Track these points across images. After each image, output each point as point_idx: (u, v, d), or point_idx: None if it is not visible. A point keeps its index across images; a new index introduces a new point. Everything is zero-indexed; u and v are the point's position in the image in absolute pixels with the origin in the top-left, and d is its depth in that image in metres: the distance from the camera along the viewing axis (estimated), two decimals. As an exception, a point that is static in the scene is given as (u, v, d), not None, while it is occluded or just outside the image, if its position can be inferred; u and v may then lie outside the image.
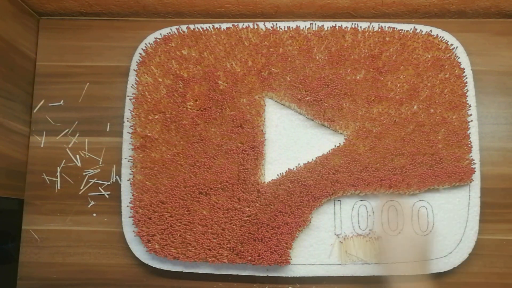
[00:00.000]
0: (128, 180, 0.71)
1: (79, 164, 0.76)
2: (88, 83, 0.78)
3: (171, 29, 0.75)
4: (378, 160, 0.69)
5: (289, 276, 0.69)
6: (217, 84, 0.72)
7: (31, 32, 0.79)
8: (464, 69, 0.72)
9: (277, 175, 0.70)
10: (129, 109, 0.73)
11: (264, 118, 0.72)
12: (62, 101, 0.78)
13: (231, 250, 0.68)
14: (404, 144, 0.69)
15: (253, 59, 0.73)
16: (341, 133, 0.72)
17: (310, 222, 0.69)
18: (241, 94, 0.72)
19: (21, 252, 0.74)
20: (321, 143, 0.72)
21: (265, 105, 0.73)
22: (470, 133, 0.71)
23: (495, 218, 0.72)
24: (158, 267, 0.70)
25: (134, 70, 0.75)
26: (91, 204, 0.75)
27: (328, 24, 0.74)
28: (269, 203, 0.68)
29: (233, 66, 0.73)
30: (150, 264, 0.70)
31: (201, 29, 0.75)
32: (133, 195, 0.70)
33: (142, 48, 0.75)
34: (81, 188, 0.75)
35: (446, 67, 0.72)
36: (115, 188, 0.74)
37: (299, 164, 0.70)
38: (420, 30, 0.74)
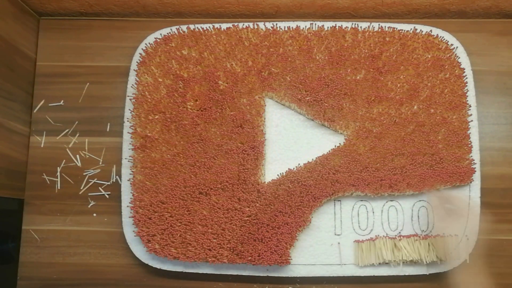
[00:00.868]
0: (128, 180, 0.71)
1: (79, 164, 0.76)
2: (88, 83, 0.78)
3: (171, 29, 0.75)
4: (378, 160, 0.69)
5: (289, 276, 0.69)
6: (217, 84, 0.72)
7: (31, 32, 0.79)
8: (464, 69, 0.72)
9: (277, 175, 0.70)
10: (129, 109, 0.73)
11: (264, 118, 0.72)
12: (62, 101, 0.78)
13: (231, 250, 0.68)
14: (404, 144, 0.69)
15: (253, 59, 0.73)
16: (341, 133, 0.72)
17: (310, 222, 0.69)
18: (241, 94, 0.72)
19: (21, 252, 0.74)
20: (321, 143, 0.72)
21: (265, 105, 0.73)
22: (470, 133, 0.71)
23: (495, 218, 0.72)
24: (158, 267, 0.70)
25: (134, 70, 0.75)
26: (91, 204, 0.75)
27: (328, 24, 0.74)
28: (269, 203, 0.68)
29: (233, 66, 0.73)
30: (150, 264, 0.70)
31: (201, 29, 0.75)
32: (133, 195, 0.70)
33: (142, 48, 0.75)
34: (81, 188, 0.75)
35: (446, 67, 0.72)
36: (115, 188, 0.74)
37: (299, 164, 0.70)
38: (420, 30, 0.74)
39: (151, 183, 0.70)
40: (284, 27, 0.74)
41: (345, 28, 0.74)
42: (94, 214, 0.74)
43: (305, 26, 0.74)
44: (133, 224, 0.70)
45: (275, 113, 0.74)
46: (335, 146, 0.71)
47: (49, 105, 0.78)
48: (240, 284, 0.72)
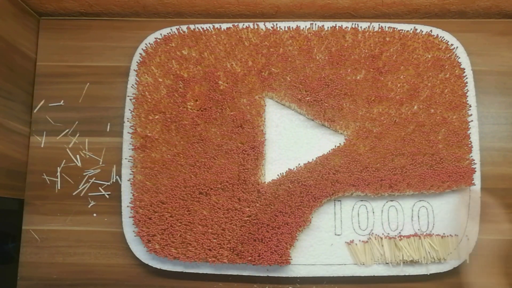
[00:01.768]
0: (128, 180, 0.71)
1: (79, 164, 0.76)
2: (88, 83, 0.78)
3: (171, 29, 0.75)
4: (378, 160, 0.69)
5: (289, 276, 0.69)
6: (217, 84, 0.72)
7: (32, 32, 0.79)
8: (464, 69, 0.72)
9: (277, 175, 0.70)
10: (129, 109, 0.73)
11: (264, 118, 0.72)
12: (62, 101, 0.78)
13: (231, 250, 0.68)
14: (404, 144, 0.69)
15: (253, 59, 0.73)
16: (341, 133, 0.72)
17: (310, 222, 0.69)
18: (241, 94, 0.72)
19: (21, 252, 0.74)
20: (321, 143, 0.72)
21: (265, 105, 0.73)
22: (470, 133, 0.71)
23: (495, 218, 0.72)
24: (158, 267, 0.70)
25: (134, 70, 0.75)
26: (91, 204, 0.75)
27: (328, 24, 0.74)
28: (269, 203, 0.68)
29: (233, 66, 0.73)
30: (150, 264, 0.70)
31: (201, 29, 0.75)
32: (133, 195, 0.70)
33: (142, 48, 0.75)
34: (81, 188, 0.75)
35: (446, 67, 0.72)
36: (115, 188, 0.74)
37: (299, 164, 0.70)
38: (421, 30, 0.74)
39: (151, 183, 0.70)
40: (284, 27, 0.74)
41: (345, 28, 0.74)
42: (94, 214, 0.75)
43: (305, 26, 0.74)
44: (133, 224, 0.70)
45: (275, 113, 0.74)
46: (335, 146, 0.71)
47: (49, 105, 0.78)
48: (240, 284, 0.72)
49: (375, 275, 0.69)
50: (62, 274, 0.73)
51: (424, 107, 0.71)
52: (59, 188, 0.75)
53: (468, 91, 0.72)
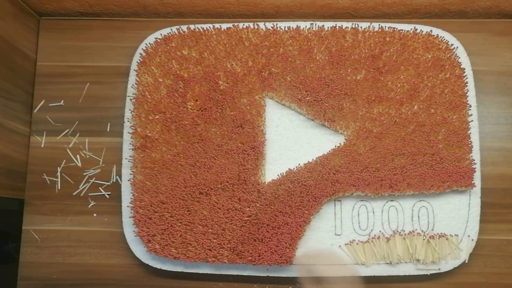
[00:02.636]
0: (128, 180, 0.71)
1: (79, 164, 0.76)
2: (88, 83, 0.78)
3: (171, 29, 0.75)
4: (378, 160, 0.69)
5: (290, 276, 0.69)
6: (218, 84, 0.72)
7: (32, 32, 0.79)
8: (464, 69, 0.72)
9: (278, 175, 0.70)
10: (130, 109, 0.73)
11: (265, 118, 0.72)
12: (62, 101, 0.78)
13: (232, 250, 0.68)
14: (404, 144, 0.69)
15: (253, 59, 0.73)
16: (341, 133, 0.72)
17: (309, 222, 0.69)
18: (242, 94, 0.72)
19: (22, 252, 0.74)
20: (321, 143, 0.72)
21: (265, 105, 0.73)
22: (470, 133, 0.71)
23: (495, 218, 0.72)
24: (159, 267, 0.70)
25: (134, 70, 0.75)
26: (91, 204, 0.75)
27: (328, 24, 0.74)
28: (270, 203, 0.68)
29: (233, 66, 0.73)
30: (150, 264, 0.70)
31: (201, 29, 0.75)
32: (133, 195, 0.70)
33: (142, 48, 0.75)
34: (82, 188, 0.75)
35: (446, 67, 0.72)
36: (116, 188, 0.74)
37: (299, 164, 0.70)
38: (421, 30, 0.74)
39: (151, 183, 0.70)
40: (284, 27, 0.74)
41: (345, 28, 0.74)
42: (94, 214, 0.75)
43: (305, 26, 0.74)
44: (133, 224, 0.70)
45: (275, 113, 0.74)
46: (335, 146, 0.71)
47: (49, 105, 0.78)
48: (240, 284, 0.72)
49: (375, 275, 0.69)
50: (62, 274, 0.73)
51: (424, 107, 0.71)
52: (59, 188, 0.75)
53: (468, 91, 0.72)
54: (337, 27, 0.74)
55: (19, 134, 0.75)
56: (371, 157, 0.69)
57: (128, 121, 0.73)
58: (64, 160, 0.76)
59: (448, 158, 0.69)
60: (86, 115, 0.77)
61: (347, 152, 0.70)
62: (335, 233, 0.70)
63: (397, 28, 0.74)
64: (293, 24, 0.74)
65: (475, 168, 0.70)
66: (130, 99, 0.73)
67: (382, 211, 0.70)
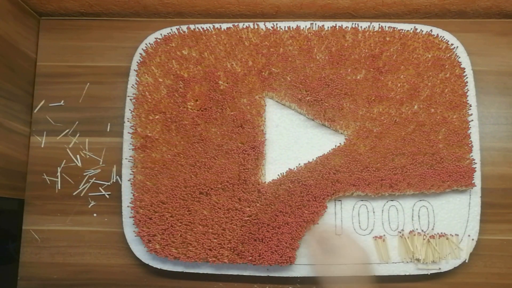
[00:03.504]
0: (128, 180, 0.71)
1: (79, 164, 0.76)
2: (88, 83, 0.78)
3: (171, 29, 0.76)
4: (378, 160, 0.69)
5: (290, 276, 0.69)
6: (218, 84, 0.72)
7: (32, 32, 0.79)
8: (464, 69, 0.73)
9: (278, 175, 0.70)
10: (130, 109, 0.73)
11: (265, 118, 0.72)
12: (62, 101, 0.78)
13: (232, 250, 0.68)
14: (404, 144, 0.69)
15: (253, 59, 0.73)
16: (341, 133, 0.72)
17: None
18: (242, 94, 0.72)
19: (22, 252, 0.74)
20: (321, 143, 0.72)
21: (265, 105, 0.73)
22: (470, 133, 0.71)
23: (495, 218, 0.72)
24: (159, 267, 0.70)
25: (134, 70, 0.75)
26: (91, 204, 0.75)
27: (328, 24, 0.74)
28: (270, 203, 0.68)
29: (233, 66, 0.73)
30: (150, 264, 0.70)
31: (201, 29, 0.75)
32: (133, 195, 0.70)
33: (142, 48, 0.75)
34: (82, 188, 0.75)
35: (446, 67, 0.72)
36: (116, 188, 0.74)
37: (299, 164, 0.70)
38: (421, 30, 0.74)
39: (151, 183, 0.70)
40: (285, 27, 0.74)
41: (346, 28, 0.74)
42: (95, 214, 0.74)
43: (306, 26, 0.74)
44: (133, 224, 0.70)
45: (275, 113, 0.74)
46: (336, 146, 0.71)
47: (50, 105, 0.78)
48: (240, 284, 0.72)
49: (376, 274, 0.69)
50: (62, 274, 0.73)
51: (424, 107, 0.71)
52: (59, 188, 0.75)
53: (468, 90, 0.72)
54: (337, 27, 0.74)
55: (19, 134, 0.75)
56: (371, 157, 0.69)
57: (128, 121, 0.73)
58: (64, 160, 0.76)
59: (448, 157, 0.69)
60: (86, 115, 0.77)
61: (347, 152, 0.70)
62: (336, 233, 0.70)
63: (397, 28, 0.74)
64: (293, 24, 0.74)
65: (475, 167, 0.70)
66: (130, 99, 0.73)
67: (383, 210, 0.70)
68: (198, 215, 0.69)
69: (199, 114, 0.71)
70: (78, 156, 0.76)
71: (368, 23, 0.74)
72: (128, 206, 0.71)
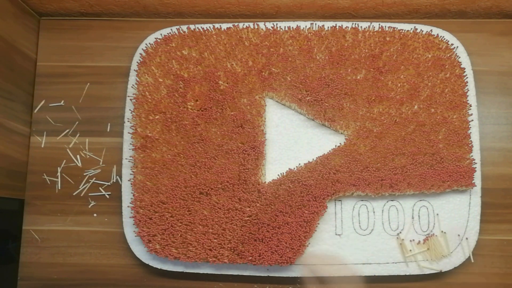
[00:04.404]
0: (128, 180, 0.71)
1: (79, 164, 0.76)
2: (88, 83, 0.78)
3: (171, 29, 0.75)
4: (378, 160, 0.69)
5: (290, 276, 0.69)
6: (218, 84, 0.72)
7: (32, 32, 0.79)
8: (464, 69, 0.73)
9: (278, 175, 0.70)
10: (130, 109, 0.73)
11: (265, 118, 0.72)
12: (62, 101, 0.78)
13: (232, 250, 0.68)
14: (404, 144, 0.69)
15: (253, 59, 0.73)
16: (341, 133, 0.72)
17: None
18: (242, 94, 0.72)
19: (22, 252, 0.74)
20: (321, 143, 0.72)
21: (265, 105, 0.73)
22: (470, 133, 0.71)
23: (495, 218, 0.72)
24: (159, 267, 0.70)
25: (134, 70, 0.75)
26: (91, 205, 0.75)
27: (328, 24, 0.74)
28: (270, 203, 0.68)
29: (233, 66, 0.73)
30: (151, 264, 0.70)
31: (201, 29, 0.75)
32: (133, 195, 0.70)
33: (142, 48, 0.75)
34: (82, 188, 0.75)
35: (446, 66, 0.72)
36: (116, 189, 0.74)
37: (299, 164, 0.70)
38: (421, 30, 0.74)
39: (151, 183, 0.70)
40: (285, 27, 0.74)
41: (346, 28, 0.74)
42: (95, 214, 0.74)
43: (306, 26, 0.74)
44: (133, 224, 0.70)
45: (275, 113, 0.74)
46: (336, 146, 0.71)
47: (50, 105, 0.78)
48: (240, 284, 0.72)
49: (376, 274, 0.69)
50: (62, 274, 0.73)
51: (425, 107, 0.71)
52: (59, 188, 0.75)
53: (468, 90, 0.72)
54: (337, 27, 0.74)
55: (19, 134, 0.75)
56: (371, 157, 0.69)
57: (128, 121, 0.73)
58: (64, 160, 0.76)
59: (449, 157, 0.69)
60: (86, 115, 0.77)
61: (348, 152, 0.70)
62: (336, 233, 0.70)
63: (397, 28, 0.74)
64: (293, 24, 0.74)
65: (476, 168, 0.70)
66: (130, 99, 0.73)
67: (383, 210, 0.70)
68: (198, 215, 0.69)
69: (199, 114, 0.71)
70: (78, 156, 0.76)
71: (368, 23, 0.74)
72: (128, 206, 0.71)
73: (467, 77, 0.72)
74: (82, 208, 0.75)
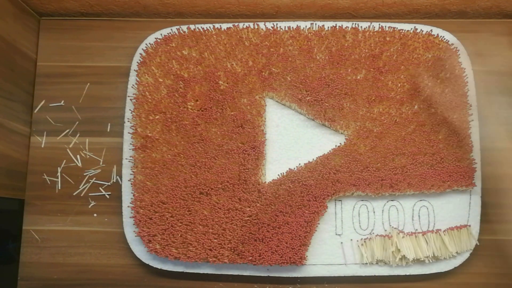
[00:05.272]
0: (128, 181, 0.71)
1: (79, 164, 0.76)
2: (88, 84, 0.78)
3: (171, 29, 0.75)
4: (379, 160, 0.69)
5: (290, 276, 0.69)
6: (218, 84, 0.72)
7: (32, 32, 0.79)
8: (464, 69, 0.73)
9: (278, 175, 0.70)
10: (130, 110, 0.73)
11: (265, 118, 0.72)
12: (62, 101, 0.78)
13: (232, 250, 0.68)
14: (405, 144, 0.70)
15: (253, 59, 0.73)
16: (341, 133, 0.72)
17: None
18: (242, 94, 0.72)
19: (22, 252, 0.74)
20: (321, 143, 0.72)
21: (265, 105, 0.73)
22: (471, 133, 0.71)
23: (495, 218, 0.72)
24: (159, 268, 0.70)
25: (134, 70, 0.75)
26: (91, 205, 0.75)
27: (328, 24, 0.74)
28: (270, 203, 0.68)
29: (233, 66, 0.73)
30: (151, 264, 0.70)
31: (201, 29, 0.75)
32: (134, 195, 0.70)
33: (142, 48, 0.75)
34: (82, 188, 0.75)
35: (446, 66, 0.72)
36: (116, 189, 0.74)
37: (299, 164, 0.70)
38: (421, 30, 0.74)
39: (151, 183, 0.70)
40: (285, 27, 0.74)
41: (346, 28, 0.74)
42: (95, 214, 0.74)
43: (306, 26, 0.74)
44: (133, 224, 0.70)
45: (275, 113, 0.74)
46: (336, 146, 0.71)
47: (50, 105, 0.78)
48: (241, 284, 0.72)
49: (376, 274, 0.69)
50: (62, 274, 0.73)
51: (425, 107, 0.71)
52: (59, 188, 0.75)
53: (468, 90, 0.72)
54: (337, 27, 0.74)
55: (19, 134, 0.75)
56: (371, 157, 0.69)
57: (128, 121, 0.73)
58: (64, 160, 0.76)
59: (449, 157, 0.69)
60: (86, 115, 0.77)
61: (348, 151, 0.70)
62: (336, 233, 0.70)
63: (397, 28, 0.74)
64: (293, 24, 0.74)
65: (476, 168, 0.70)
66: (130, 99, 0.73)
67: (383, 210, 0.70)
68: (198, 215, 0.69)
69: (199, 114, 0.71)
70: (78, 156, 0.76)
71: (368, 23, 0.74)
72: (128, 206, 0.71)
73: (467, 77, 0.72)
74: (82, 208, 0.75)
